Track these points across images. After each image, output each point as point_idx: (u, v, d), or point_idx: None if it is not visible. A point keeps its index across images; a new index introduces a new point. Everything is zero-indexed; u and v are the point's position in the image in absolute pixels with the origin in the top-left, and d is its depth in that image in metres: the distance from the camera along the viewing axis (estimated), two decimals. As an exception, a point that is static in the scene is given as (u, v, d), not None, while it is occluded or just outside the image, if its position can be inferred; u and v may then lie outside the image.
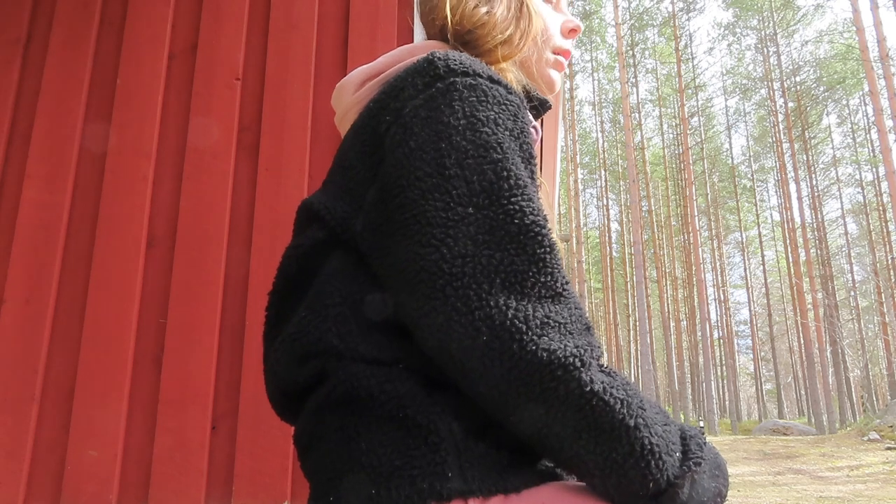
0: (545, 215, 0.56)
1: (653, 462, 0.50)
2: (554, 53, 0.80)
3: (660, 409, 0.54)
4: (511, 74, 0.74)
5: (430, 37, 0.77)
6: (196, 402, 1.79)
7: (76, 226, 1.99)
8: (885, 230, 30.75)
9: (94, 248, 1.95)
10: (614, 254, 36.90)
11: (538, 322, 0.51)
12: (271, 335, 0.69)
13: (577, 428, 0.50)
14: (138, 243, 1.93)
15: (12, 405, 1.83)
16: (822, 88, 33.16)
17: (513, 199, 0.54)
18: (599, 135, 37.15)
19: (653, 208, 35.25)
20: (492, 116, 0.57)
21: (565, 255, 35.08)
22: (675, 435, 0.54)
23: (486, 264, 0.52)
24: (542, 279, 0.53)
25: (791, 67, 33.22)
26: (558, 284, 0.54)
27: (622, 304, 36.85)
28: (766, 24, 34.19)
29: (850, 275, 34.66)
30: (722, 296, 35.87)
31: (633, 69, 35.12)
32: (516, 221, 0.53)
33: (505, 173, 0.55)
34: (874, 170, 31.86)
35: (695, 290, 30.59)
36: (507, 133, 0.57)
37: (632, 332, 35.76)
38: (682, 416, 30.08)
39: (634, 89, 35.27)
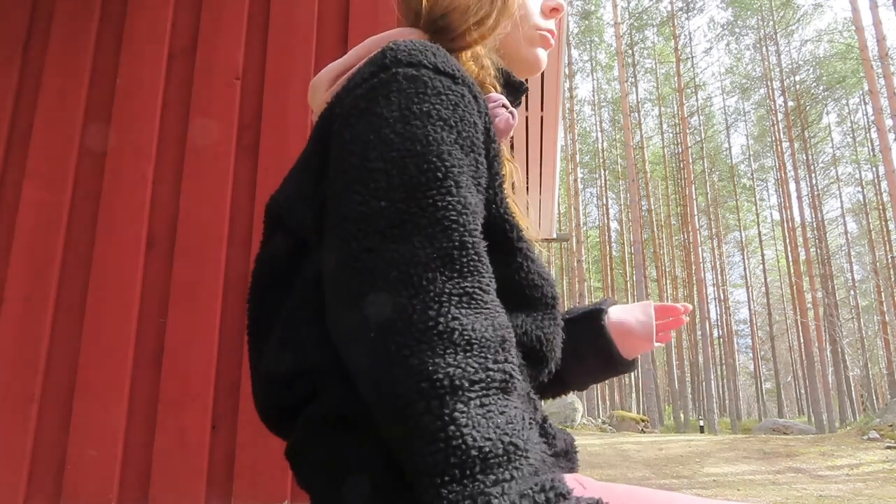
0: (471, 213, 0.53)
1: None
2: (538, 31, 0.80)
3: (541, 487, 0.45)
4: (487, 60, 0.73)
5: (404, 24, 0.75)
6: (196, 402, 1.79)
7: (76, 226, 1.99)
8: (884, 229, 30.75)
9: (94, 248, 1.95)
10: (614, 253, 36.90)
11: (423, 327, 0.47)
12: (256, 349, 0.68)
13: (415, 446, 0.46)
14: (138, 243, 1.93)
15: (12, 405, 1.83)
16: (821, 88, 33.16)
17: (429, 193, 0.52)
18: (599, 134, 37.15)
19: (652, 207, 35.26)
20: (426, 108, 0.55)
21: (564, 254, 35.08)
22: None
23: (387, 259, 0.50)
24: (449, 274, 0.50)
25: (790, 67, 33.23)
26: (468, 284, 0.50)
27: (622, 303, 36.77)
28: (765, 23, 34.20)
29: (849, 274, 34.67)
30: (722, 295, 35.88)
31: (632, 69, 35.10)
32: (427, 214, 0.51)
33: (425, 166, 0.53)
34: (874, 169, 31.88)
35: (695, 289, 30.59)
36: (442, 123, 0.55)
37: (631, 331, 35.66)
38: (682, 416, 30.10)
39: (634, 89, 35.26)
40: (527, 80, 0.82)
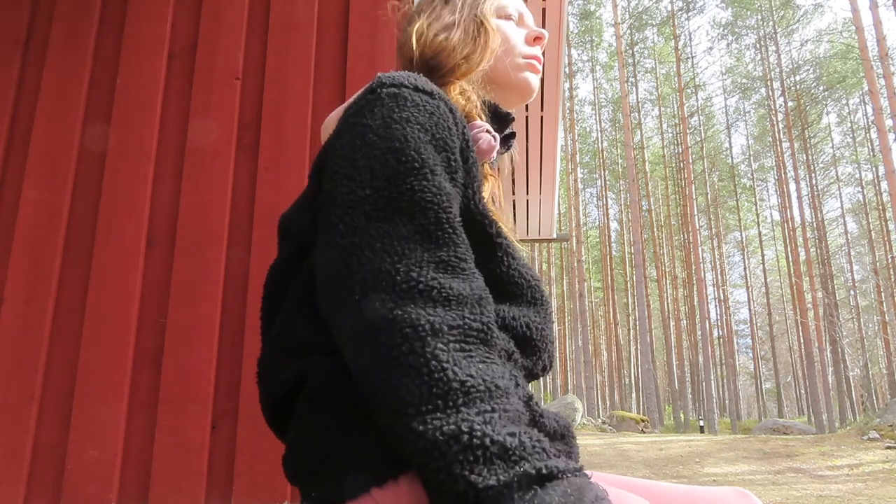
0: (445, 195, 0.60)
1: (452, 462, 0.46)
2: (524, 59, 0.88)
3: (537, 436, 0.48)
4: (473, 95, 0.81)
5: (401, 68, 0.85)
6: (196, 402, 1.79)
7: (76, 226, 1.99)
8: (884, 229, 30.76)
9: (94, 248, 1.95)
10: (614, 253, 36.90)
11: (406, 286, 0.54)
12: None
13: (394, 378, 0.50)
14: (138, 243, 1.93)
15: (12, 405, 1.83)
16: (821, 88, 33.16)
17: (408, 180, 0.59)
18: (599, 134, 37.14)
19: (652, 207, 35.26)
20: (405, 115, 0.63)
21: (564, 254, 35.06)
22: (533, 451, 0.46)
23: (372, 234, 0.57)
24: (427, 245, 0.57)
25: (790, 66, 33.22)
26: (444, 253, 0.57)
27: (622, 303, 36.84)
28: (765, 23, 34.19)
29: (849, 274, 34.66)
30: (722, 295, 35.87)
31: (632, 68, 35.11)
32: (406, 197, 0.58)
33: (404, 158, 0.60)
34: (874, 169, 31.88)
35: (695, 289, 30.60)
36: (419, 127, 0.62)
37: (632, 331, 35.75)
38: (682, 416, 30.10)
39: (634, 89, 35.26)
40: (514, 112, 0.90)
